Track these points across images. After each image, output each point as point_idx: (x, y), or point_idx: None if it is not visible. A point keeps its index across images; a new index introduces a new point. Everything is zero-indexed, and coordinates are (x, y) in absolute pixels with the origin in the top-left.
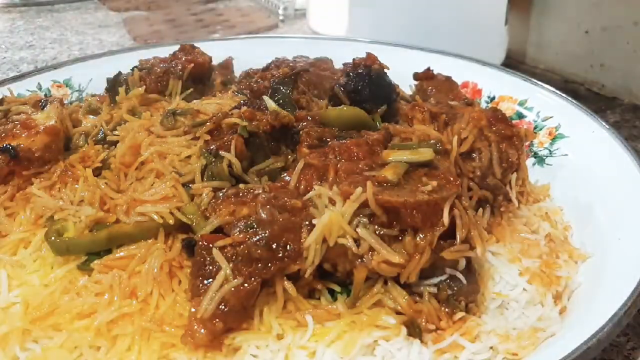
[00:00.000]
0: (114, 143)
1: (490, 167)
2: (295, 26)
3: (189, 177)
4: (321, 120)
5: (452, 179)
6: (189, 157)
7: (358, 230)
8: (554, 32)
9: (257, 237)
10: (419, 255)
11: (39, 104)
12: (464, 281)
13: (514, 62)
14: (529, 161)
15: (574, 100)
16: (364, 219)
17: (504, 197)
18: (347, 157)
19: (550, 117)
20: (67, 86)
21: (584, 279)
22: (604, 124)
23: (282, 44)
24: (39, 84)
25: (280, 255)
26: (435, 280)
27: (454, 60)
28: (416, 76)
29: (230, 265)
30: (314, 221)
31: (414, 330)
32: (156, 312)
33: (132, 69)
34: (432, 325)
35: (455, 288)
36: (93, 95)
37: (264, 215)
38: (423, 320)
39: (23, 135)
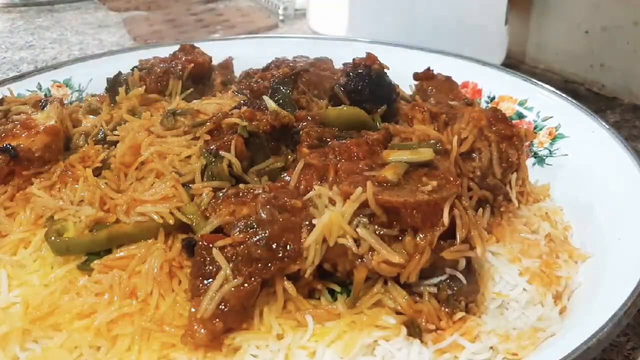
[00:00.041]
0: (114, 143)
1: (490, 167)
2: (295, 26)
3: (189, 177)
4: (321, 120)
5: (452, 179)
6: (189, 157)
7: (358, 230)
8: (554, 32)
9: (257, 237)
10: (419, 255)
11: (39, 104)
12: (464, 281)
13: (514, 62)
14: (529, 161)
15: (574, 100)
16: (364, 219)
17: (504, 197)
18: (347, 157)
19: (550, 117)
20: (67, 86)
21: (584, 279)
22: (604, 124)
23: (282, 44)
24: (39, 84)
25: (280, 255)
26: (435, 280)
27: (454, 60)
28: (416, 76)
29: (230, 265)
30: (314, 221)
31: (414, 330)
32: (156, 312)
33: (132, 69)
34: (432, 325)
35: (455, 288)
36: (93, 95)
37: (264, 215)
38: (423, 320)
39: (23, 135)
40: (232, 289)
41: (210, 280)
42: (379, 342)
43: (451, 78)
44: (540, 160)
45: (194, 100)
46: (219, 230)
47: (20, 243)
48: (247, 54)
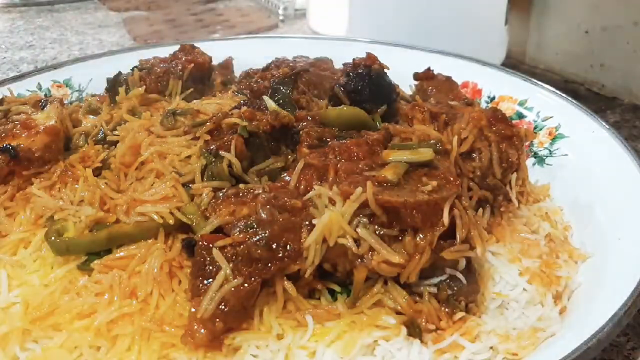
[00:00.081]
0: (114, 143)
1: (490, 167)
2: (295, 26)
3: (189, 177)
4: (321, 120)
5: (452, 179)
6: (189, 157)
7: (358, 230)
8: (554, 32)
9: (257, 237)
10: (419, 255)
11: (39, 104)
12: (464, 281)
13: (514, 62)
14: (529, 161)
15: (574, 100)
16: (364, 219)
17: (504, 197)
18: (347, 157)
19: (550, 117)
20: (67, 86)
21: (584, 279)
22: (604, 124)
23: (282, 44)
24: (39, 84)
25: (280, 255)
26: (435, 280)
27: (454, 60)
28: (416, 76)
29: (230, 265)
30: (314, 221)
31: (414, 330)
32: (156, 312)
33: (132, 69)
34: (432, 325)
35: (455, 288)
36: (93, 95)
37: (264, 215)
38: (423, 320)
39: (23, 135)
40: (232, 289)
41: (210, 280)
42: (379, 342)
43: (451, 78)
44: (540, 160)
45: (194, 100)
46: (219, 230)
47: (20, 243)
48: (247, 54)
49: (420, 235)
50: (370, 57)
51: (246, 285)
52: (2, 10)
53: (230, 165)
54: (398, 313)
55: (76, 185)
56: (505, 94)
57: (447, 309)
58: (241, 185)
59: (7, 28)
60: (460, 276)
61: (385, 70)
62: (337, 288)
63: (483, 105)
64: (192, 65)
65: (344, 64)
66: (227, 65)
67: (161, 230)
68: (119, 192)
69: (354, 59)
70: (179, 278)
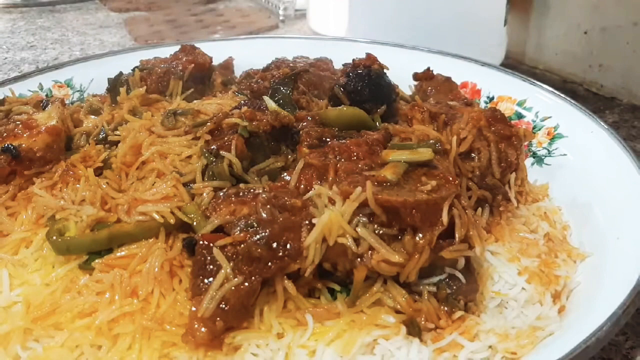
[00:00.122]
0: (115, 143)
1: (489, 166)
2: (296, 27)
3: (189, 176)
4: (321, 120)
5: (451, 178)
6: (189, 157)
7: (358, 229)
8: (553, 33)
9: (258, 237)
10: (418, 255)
11: (41, 104)
12: (463, 280)
13: (513, 63)
14: (528, 161)
15: (572, 101)
16: (364, 219)
17: (503, 196)
18: (347, 157)
19: (549, 117)
20: (68, 86)
21: (583, 278)
22: (602, 124)
23: (282, 45)
24: (40, 84)
25: (281, 254)
26: (435, 279)
27: (453, 60)
28: (416, 76)
29: (231, 264)
30: (313, 220)
31: (414, 329)
32: (157, 311)
33: (133, 70)
34: (431, 324)
35: (455, 287)
36: (94, 96)
37: (264, 215)
38: (422, 319)
39: (24, 135)
40: (233, 288)
41: (211, 279)
42: (378, 341)
43: (450, 78)
44: (539, 160)
45: (195, 101)
46: (220, 230)
47: (22, 242)
48: (248, 55)
49: (420, 235)
50: (370, 58)
51: (246, 284)
52: (3, 10)
53: (230, 165)
54: (397, 312)
55: (77, 185)
56: (504, 94)
57: (446, 308)
58: (241, 185)
59: (8, 28)
60: (460, 275)
61: (385, 70)
62: (336, 287)
63: (482, 105)
64: (193, 65)
65: (344, 64)
66: (227, 65)
67: (162, 230)
68: (120, 191)
69: (353, 59)
70: (180, 277)
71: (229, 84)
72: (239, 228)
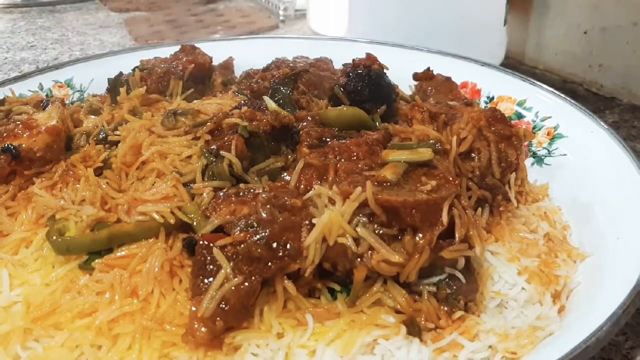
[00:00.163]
0: (115, 143)
1: (489, 166)
2: (296, 27)
3: (189, 176)
4: (321, 120)
5: (451, 178)
6: (189, 157)
7: (358, 229)
8: (553, 33)
9: (258, 236)
10: (418, 255)
11: (41, 104)
12: (463, 280)
13: (513, 62)
14: (528, 161)
15: (572, 101)
16: (364, 219)
17: (503, 196)
18: (346, 157)
19: (549, 117)
20: (68, 86)
21: (583, 278)
22: (602, 124)
23: (282, 45)
24: (40, 84)
25: (281, 254)
26: (435, 279)
27: (453, 60)
28: (416, 76)
29: (231, 264)
30: (314, 220)
31: (414, 329)
32: (157, 311)
33: (133, 70)
34: (431, 324)
35: (455, 287)
36: (94, 96)
37: (264, 215)
38: (422, 319)
39: (25, 135)
40: (233, 288)
41: (211, 279)
42: (378, 341)
43: (450, 78)
44: (539, 160)
45: (195, 101)
46: (220, 230)
47: (22, 242)
48: (248, 55)
49: (420, 235)
50: (370, 58)
51: (246, 284)
52: (3, 10)
53: (230, 165)
54: (397, 312)
55: (77, 185)
56: (504, 94)
57: (446, 308)
58: (241, 185)
59: (8, 28)
60: (460, 275)
61: (385, 70)
62: (336, 287)
63: (482, 105)
64: (193, 65)
65: (344, 64)
66: (227, 65)
67: (162, 230)
68: (120, 191)
69: (353, 59)
70: (180, 277)
71: (229, 84)
72: (239, 228)
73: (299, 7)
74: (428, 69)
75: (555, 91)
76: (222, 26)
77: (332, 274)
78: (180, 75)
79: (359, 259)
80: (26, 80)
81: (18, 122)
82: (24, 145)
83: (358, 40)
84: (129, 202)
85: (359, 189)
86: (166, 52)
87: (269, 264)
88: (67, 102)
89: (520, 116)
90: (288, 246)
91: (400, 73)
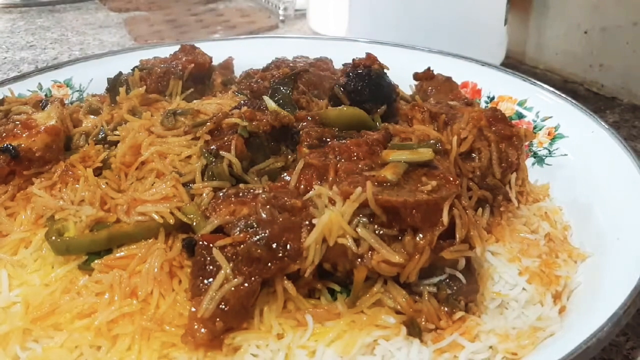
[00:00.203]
0: (115, 143)
1: (490, 167)
2: (296, 26)
3: (189, 177)
4: (321, 120)
5: (451, 178)
6: (189, 157)
7: (358, 230)
8: (554, 32)
9: (257, 237)
10: (419, 255)
11: (40, 104)
12: (464, 281)
13: (513, 62)
14: (529, 161)
15: (573, 100)
16: (364, 219)
17: (504, 196)
18: (347, 157)
19: (550, 117)
20: (67, 86)
21: (584, 278)
22: (603, 124)
23: (282, 44)
24: (39, 84)
25: (280, 254)
26: (435, 279)
27: (454, 60)
28: (416, 76)
29: (231, 264)
30: (314, 221)
31: (414, 329)
32: (156, 311)
33: (133, 69)
34: (431, 325)
35: (455, 287)
36: (94, 95)
37: (264, 215)
38: (423, 319)
39: (24, 135)
40: (232, 288)
41: (211, 279)
42: (378, 342)
43: (451, 78)
44: (540, 160)
45: (194, 101)
46: (219, 230)
47: (21, 243)
48: (248, 54)
49: (420, 235)
50: (370, 57)
51: (246, 284)
52: (3, 10)
53: (230, 165)
54: (398, 312)
55: (77, 185)
56: (505, 94)
57: (446, 309)
58: (241, 185)
59: (7, 28)
60: (460, 276)
61: (385, 70)
62: (337, 288)
63: (482, 105)
64: (193, 65)
65: (344, 64)
66: (227, 65)
67: (161, 230)
68: (119, 192)
69: (353, 59)
70: (180, 278)
71: (228, 84)
72: (238, 228)
73: (299, 7)
74: (428, 68)
75: (556, 91)
76: (222, 26)
77: (332, 274)
78: (179, 75)
79: (359, 260)
80: (25, 80)
81: (17, 122)
82: (23, 145)
83: (358, 40)
84: (129, 203)
85: (359, 189)
86: (166, 52)
87: (269, 264)
88: (66, 102)
89: (520, 116)
90: (288, 247)
91: (401, 73)
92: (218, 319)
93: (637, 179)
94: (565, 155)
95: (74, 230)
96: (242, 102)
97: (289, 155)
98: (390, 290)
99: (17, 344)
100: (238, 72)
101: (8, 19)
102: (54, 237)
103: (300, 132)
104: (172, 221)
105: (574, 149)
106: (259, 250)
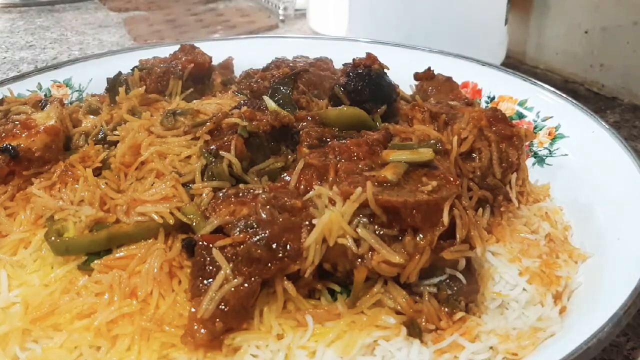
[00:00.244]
0: (114, 143)
1: (490, 167)
2: (296, 26)
3: (189, 177)
4: (321, 120)
5: (452, 179)
6: (189, 157)
7: (358, 230)
8: (554, 32)
9: (257, 237)
10: (419, 255)
11: (39, 104)
12: (464, 281)
13: (514, 62)
14: (529, 161)
15: (573, 100)
16: (364, 219)
17: (504, 197)
18: (347, 157)
19: (550, 117)
20: (67, 86)
21: (584, 278)
22: (603, 124)
23: (282, 44)
24: (39, 84)
25: (280, 255)
26: (435, 280)
27: (454, 60)
28: (416, 76)
29: (230, 265)
30: (314, 221)
31: (414, 330)
32: (156, 312)
33: (133, 69)
34: (432, 325)
35: (455, 288)
36: (93, 95)
37: (264, 215)
38: (423, 320)
39: (23, 135)
40: (232, 289)
41: (211, 280)
42: (379, 342)
43: (451, 78)
44: (540, 160)
45: (194, 100)
46: (219, 230)
47: (20, 243)
48: (248, 54)
49: (420, 235)
50: (370, 57)
51: (246, 285)
52: (2, 10)
53: (230, 165)
54: (398, 313)
55: (76, 185)
56: (505, 94)
57: (447, 309)
58: (241, 185)
59: (7, 28)
60: (460, 276)
61: (385, 70)
62: (337, 288)
63: (483, 105)
64: (192, 65)
65: (344, 64)
66: (227, 65)
67: (161, 230)
68: (119, 192)
69: (354, 59)
70: (179, 278)
71: (228, 83)
72: (238, 229)
73: (299, 7)
74: (429, 68)
75: (557, 91)
76: (221, 26)
77: (332, 274)
78: (179, 75)
79: (359, 260)
80: (25, 80)
81: (16, 122)
82: (22, 145)
83: (358, 39)
84: (128, 203)
85: (360, 189)
86: (165, 51)
87: (269, 264)
88: (65, 102)
89: (521, 116)
90: (288, 247)
91: (401, 73)
92: (218, 320)
93: (637, 179)
94: (566, 155)
95: (74, 231)
96: (242, 102)
97: (289, 156)
98: (391, 290)
99: (17, 345)
100: (238, 72)
101: (7, 18)
102: (53, 238)
103: (300, 132)
104: (171, 221)
105: (574, 149)
106: (259, 251)
